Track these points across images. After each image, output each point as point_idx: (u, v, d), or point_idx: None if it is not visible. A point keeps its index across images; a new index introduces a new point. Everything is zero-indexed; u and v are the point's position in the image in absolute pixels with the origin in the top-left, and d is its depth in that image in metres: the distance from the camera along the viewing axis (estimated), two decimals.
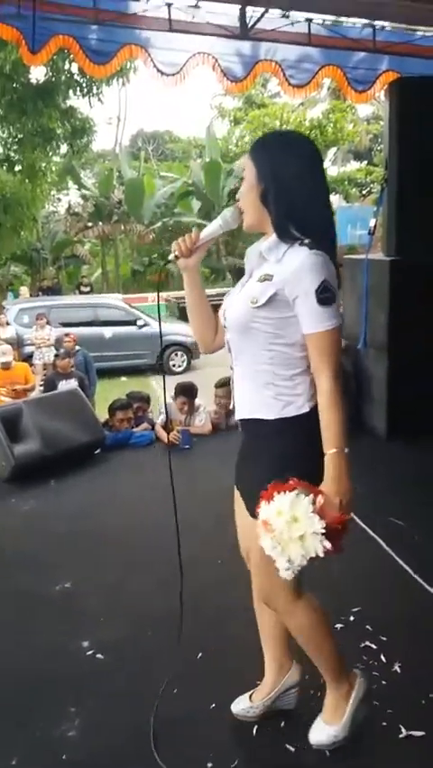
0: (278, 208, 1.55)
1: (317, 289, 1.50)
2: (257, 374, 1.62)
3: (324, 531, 1.42)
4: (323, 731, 1.80)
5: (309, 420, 1.57)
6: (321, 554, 1.42)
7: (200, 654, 2.25)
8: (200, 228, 1.74)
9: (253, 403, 1.64)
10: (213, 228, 1.66)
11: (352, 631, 2.36)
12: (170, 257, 1.67)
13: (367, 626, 2.38)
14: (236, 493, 1.82)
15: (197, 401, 5.07)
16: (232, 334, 1.65)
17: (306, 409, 1.61)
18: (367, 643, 2.28)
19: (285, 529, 1.42)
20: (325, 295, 1.51)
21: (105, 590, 2.79)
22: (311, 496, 1.45)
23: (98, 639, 2.40)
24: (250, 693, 1.98)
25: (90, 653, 2.33)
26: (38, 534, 3.46)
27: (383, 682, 2.08)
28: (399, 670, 2.14)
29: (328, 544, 1.42)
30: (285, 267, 1.53)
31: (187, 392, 5.01)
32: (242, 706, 1.96)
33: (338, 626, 2.37)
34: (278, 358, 1.59)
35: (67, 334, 8.15)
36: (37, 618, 2.61)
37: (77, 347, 7.92)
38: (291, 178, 1.54)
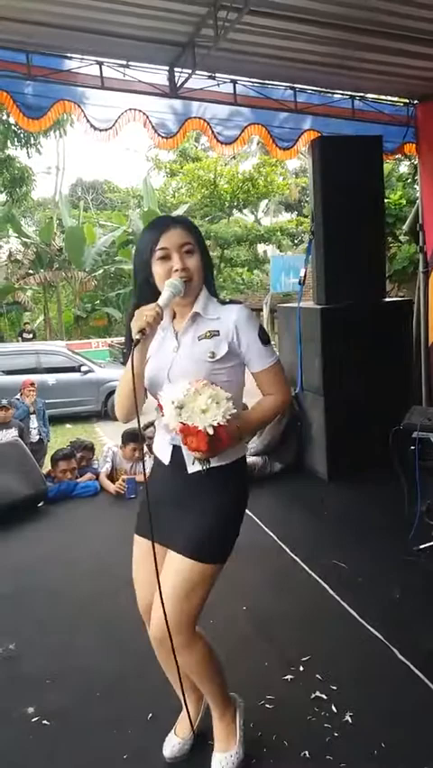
0: (210, 277, 1.82)
1: (258, 334, 1.76)
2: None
3: (218, 424, 1.59)
4: (224, 760, 1.91)
5: (244, 462, 1.87)
6: (209, 427, 1.58)
7: (150, 715, 2.20)
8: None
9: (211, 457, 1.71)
10: (167, 297, 1.67)
11: (302, 681, 2.35)
12: (138, 336, 1.61)
13: (317, 675, 2.38)
14: (141, 544, 1.87)
15: (147, 452, 5.05)
16: None
17: (244, 452, 1.88)
18: (318, 693, 2.27)
19: (198, 403, 1.60)
20: (264, 336, 1.78)
21: (52, 652, 2.70)
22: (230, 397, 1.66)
23: (44, 705, 2.32)
24: (173, 731, 2.03)
25: (36, 719, 2.24)
26: None
27: (335, 734, 2.07)
28: (350, 720, 2.14)
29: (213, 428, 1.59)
30: (225, 323, 1.74)
31: (136, 438, 4.99)
32: (174, 744, 2.00)
33: (288, 677, 2.38)
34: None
35: (32, 383, 7.96)
36: None
37: (35, 396, 7.78)
38: (210, 260, 1.85)
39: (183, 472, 1.76)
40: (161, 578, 1.74)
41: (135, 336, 1.61)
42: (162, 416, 1.70)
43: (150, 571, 1.75)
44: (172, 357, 1.75)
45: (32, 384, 8.01)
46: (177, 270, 1.70)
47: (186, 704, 2.00)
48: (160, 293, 1.70)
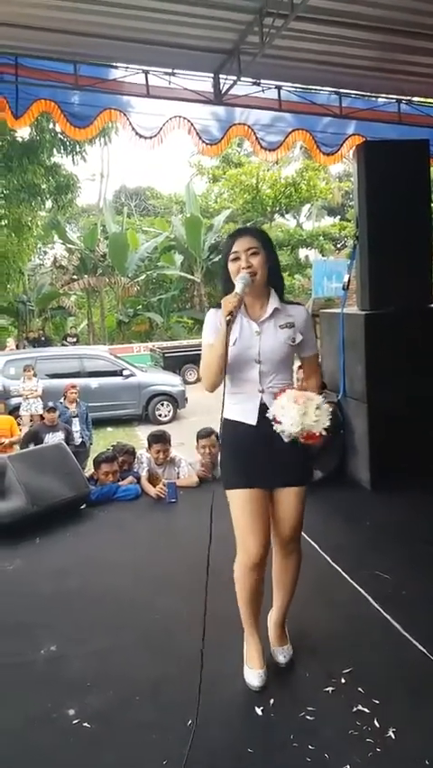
0: (280, 280, 2.37)
1: (313, 330, 2.47)
2: (282, 388, 2.28)
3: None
4: (287, 650, 2.53)
5: None
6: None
7: (189, 722, 2.20)
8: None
9: None
10: (241, 287, 2.16)
11: (344, 694, 2.31)
12: (228, 318, 2.10)
13: (359, 689, 2.33)
14: (252, 494, 2.30)
15: (177, 454, 5.07)
16: (267, 365, 2.27)
17: None
18: (360, 707, 2.23)
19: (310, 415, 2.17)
20: (315, 332, 2.49)
21: (92, 654, 2.71)
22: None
23: (85, 707, 2.33)
24: (253, 666, 2.39)
25: (77, 722, 2.25)
26: (23, 595, 3.39)
27: (378, 750, 2.03)
28: (393, 735, 2.09)
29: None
30: (297, 318, 2.33)
31: (160, 439, 5.02)
32: (261, 675, 2.36)
33: (329, 689, 2.34)
34: (291, 374, 2.39)
35: (73, 386, 8.14)
36: (20, 685, 2.53)
37: (78, 399, 7.94)
38: (278, 264, 2.39)
39: (270, 427, 2.23)
40: (288, 510, 2.36)
41: (226, 318, 2.10)
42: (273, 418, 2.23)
43: (265, 513, 2.32)
44: (257, 340, 2.25)
45: (74, 387, 8.16)
46: (243, 268, 2.21)
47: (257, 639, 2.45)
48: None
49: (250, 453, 2.29)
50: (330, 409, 2.21)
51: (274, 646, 2.53)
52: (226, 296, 2.18)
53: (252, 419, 2.28)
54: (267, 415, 2.25)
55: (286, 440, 2.23)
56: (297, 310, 2.35)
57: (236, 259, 2.24)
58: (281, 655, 2.50)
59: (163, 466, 5.01)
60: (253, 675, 2.38)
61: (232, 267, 2.26)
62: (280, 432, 2.22)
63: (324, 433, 2.16)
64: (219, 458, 2.54)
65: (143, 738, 2.15)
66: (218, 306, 2.23)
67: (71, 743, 2.16)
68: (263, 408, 2.27)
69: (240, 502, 2.30)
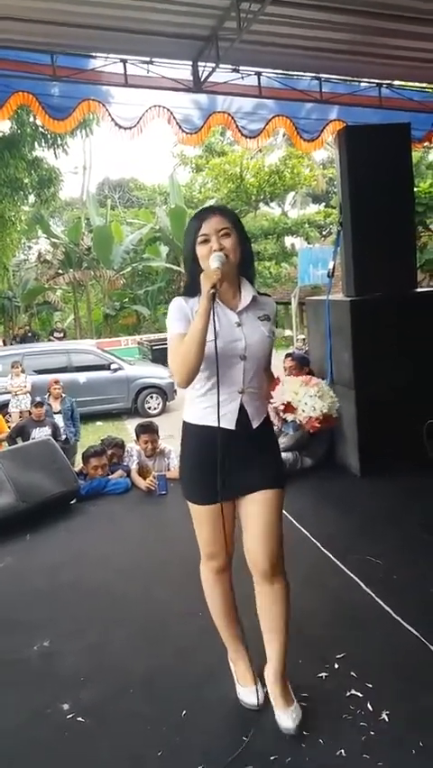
0: (251, 268, 2.13)
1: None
2: (262, 389, 2.09)
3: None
4: (296, 711, 2.09)
5: None
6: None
7: (184, 712, 2.20)
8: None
9: (261, 408, 2.09)
10: (217, 264, 1.92)
11: (337, 679, 2.32)
12: (213, 290, 1.87)
13: (352, 674, 2.34)
14: (212, 509, 2.05)
15: (166, 446, 5.08)
16: (251, 362, 2.01)
17: None
18: (353, 691, 2.24)
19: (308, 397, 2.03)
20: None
21: (86, 649, 2.71)
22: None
23: (79, 701, 2.33)
24: (246, 683, 2.21)
25: (71, 716, 2.25)
26: (15, 592, 3.37)
27: (372, 733, 2.04)
28: (387, 718, 2.10)
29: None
30: (269, 310, 2.12)
31: (148, 429, 5.03)
32: (259, 691, 2.17)
33: (323, 674, 2.35)
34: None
35: (56, 381, 8.10)
36: (13, 681, 2.53)
37: (63, 394, 7.90)
38: (251, 249, 2.14)
39: (248, 430, 2.04)
40: (252, 521, 2.07)
41: (211, 291, 1.86)
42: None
43: (231, 523, 2.11)
44: (240, 332, 2.00)
45: (57, 382, 8.12)
46: (214, 250, 1.95)
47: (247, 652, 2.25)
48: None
49: (217, 462, 1.97)
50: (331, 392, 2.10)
51: (278, 709, 2.10)
52: (204, 272, 1.94)
53: (229, 423, 2.00)
54: (272, 406, 2.05)
55: (292, 431, 2.14)
56: (269, 302, 2.15)
57: (206, 241, 1.97)
58: (289, 719, 2.05)
59: (153, 458, 5.00)
60: (248, 693, 2.20)
61: (201, 250, 1.98)
62: (292, 421, 2.05)
63: (336, 415, 2.07)
64: (179, 463, 2.23)
65: (138, 730, 2.15)
66: (185, 293, 2.04)
67: (66, 737, 2.16)
68: (243, 412, 2.02)
69: (202, 517, 2.10)
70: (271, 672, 2.14)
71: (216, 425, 1.96)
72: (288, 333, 18.61)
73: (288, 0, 4.13)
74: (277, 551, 2.07)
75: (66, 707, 2.30)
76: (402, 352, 4.62)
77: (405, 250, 4.94)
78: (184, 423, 2.11)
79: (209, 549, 2.14)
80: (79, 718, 2.24)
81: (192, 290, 2.03)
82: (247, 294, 2.04)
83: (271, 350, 2.08)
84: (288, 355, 5.38)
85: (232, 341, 1.97)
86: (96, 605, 3.11)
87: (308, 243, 22.05)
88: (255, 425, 2.06)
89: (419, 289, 5.36)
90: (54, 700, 2.35)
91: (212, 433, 1.98)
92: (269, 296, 2.17)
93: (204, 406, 2.03)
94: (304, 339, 10.99)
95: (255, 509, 2.07)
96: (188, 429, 2.09)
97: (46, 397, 7.75)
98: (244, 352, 1.98)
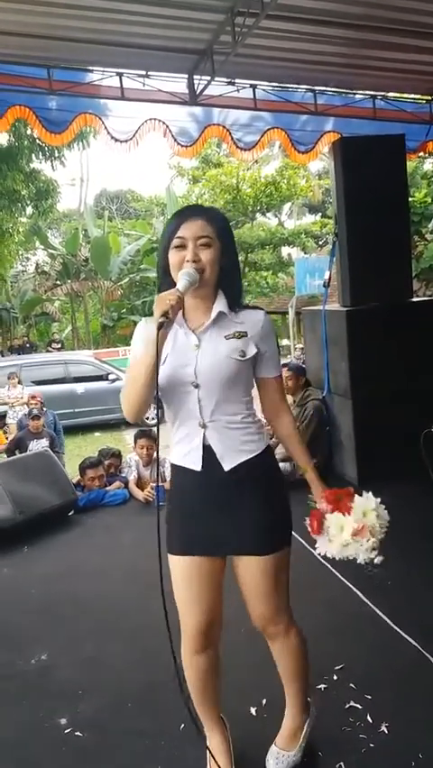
0: (236, 282, 1.79)
1: (276, 342, 1.82)
2: (237, 420, 1.73)
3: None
4: (280, 757, 1.93)
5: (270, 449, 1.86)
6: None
7: (183, 726, 2.18)
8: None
9: (241, 446, 1.74)
10: (184, 285, 1.62)
11: (336, 691, 2.31)
12: (162, 320, 1.54)
13: (351, 685, 2.33)
14: (195, 563, 1.77)
15: (165, 456, 5.08)
16: (207, 390, 1.69)
17: (268, 439, 1.88)
18: (352, 703, 2.23)
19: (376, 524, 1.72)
20: (279, 347, 1.85)
21: (83, 662, 2.70)
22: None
23: (77, 715, 2.32)
24: (278, 746, 1.96)
25: (69, 730, 2.24)
26: (12, 605, 3.37)
27: (371, 745, 2.03)
28: (386, 730, 2.09)
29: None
30: (251, 325, 1.74)
31: (146, 435, 5.06)
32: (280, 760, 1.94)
33: (322, 686, 2.33)
34: (250, 401, 1.79)
35: (33, 396, 8.09)
36: (11, 695, 2.51)
37: (44, 408, 7.88)
38: (237, 259, 1.85)
39: (219, 473, 1.70)
40: (245, 586, 1.81)
41: (159, 320, 1.53)
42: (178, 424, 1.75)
43: (211, 588, 1.79)
44: (195, 354, 1.69)
45: (34, 398, 8.10)
46: (188, 261, 1.65)
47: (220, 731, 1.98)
48: (175, 283, 1.65)
49: (193, 509, 1.75)
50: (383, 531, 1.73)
51: (277, 745, 1.96)
52: (158, 295, 1.61)
53: (195, 463, 1.72)
54: (324, 525, 1.74)
55: (227, 461, 1.72)
56: (252, 316, 1.76)
57: (181, 246, 1.66)
58: (272, 760, 1.93)
59: (150, 467, 5.00)
60: None
61: (173, 257, 1.67)
62: (320, 548, 1.75)
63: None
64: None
65: (137, 745, 2.14)
66: (151, 314, 1.66)
67: (64, 752, 2.15)
68: (208, 449, 1.70)
69: (178, 570, 1.80)
70: (286, 719, 1.99)
71: (184, 464, 1.75)
72: (285, 342, 18.63)
73: (282, 15, 4.17)
74: (281, 607, 1.83)
75: (64, 721, 2.29)
76: (399, 362, 4.63)
77: (400, 259, 4.97)
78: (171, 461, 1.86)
79: (186, 616, 1.83)
80: (77, 733, 2.22)
81: None
82: (215, 309, 1.72)
83: (240, 372, 1.71)
84: (284, 365, 5.39)
85: (182, 365, 1.67)
86: (93, 617, 3.10)
87: (305, 253, 22.11)
88: (228, 465, 1.71)
89: (414, 299, 5.39)
90: (52, 714, 2.33)
91: (182, 473, 1.76)
92: (260, 308, 1.81)
93: (175, 441, 1.79)
94: (302, 348, 11.01)
95: (248, 576, 1.79)
96: (172, 468, 1.85)
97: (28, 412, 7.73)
98: (195, 379, 1.67)
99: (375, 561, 1.71)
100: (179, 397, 1.70)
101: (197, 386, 1.68)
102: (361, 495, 1.78)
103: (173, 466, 1.81)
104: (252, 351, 1.72)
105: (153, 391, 1.62)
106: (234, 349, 1.69)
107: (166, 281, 1.70)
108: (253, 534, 1.75)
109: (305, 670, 1.93)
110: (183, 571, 1.79)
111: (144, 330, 1.69)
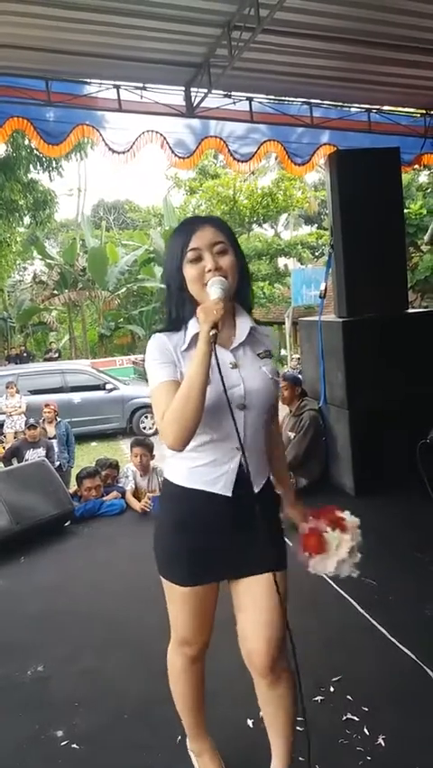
0: (249, 291, 1.71)
1: None
2: (264, 444, 1.70)
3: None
4: None
5: None
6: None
7: (179, 738, 2.17)
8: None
9: (265, 466, 1.73)
10: (219, 294, 1.51)
11: (333, 703, 2.30)
12: (214, 331, 1.44)
13: (348, 697, 2.32)
14: (198, 592, 1.70)
15: (159, 465, 5.09)
16: (253, 413, 1.60)
17: None
18: (349, 715, 2.22)
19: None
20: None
21: (80, 674, 2.69)
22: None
23: (74, 728, 2.30)
24: None
25: (65, 743, 2.22)
26: (9, 615, 3.35)
27: (368, 758, 2.02)
28: (383, 743, 2.08)
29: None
30: (268, 343, 1.69)
31: (142, 442, 5.07)
32: None
33: (318, 698, 2.33)
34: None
35: (47, 404, 8.02)
36: (7, 707, 2.49)
37: (57, 417, 7.84)
38: (247, 267, 1.68)
39: (247, 495, 1.57)
40: (252, 606, 1.70)
41: (212, 332, 1.42)
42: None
43: (213, 608, 1.76)
44: (238, 375, 1.58)
45: (48, 406, 7.88)
46: (210, 271, 1.53)
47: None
48: (195, 301, 1.56)
49: (210, 537, 1.64)
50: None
51: None
52: (202, 306, 1.48)
53: (225, 488, 1.59)
54: (327, 542, 1.73)
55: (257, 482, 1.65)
56: (266, 332, 1.71)
57: (197, 259, 1.55)
58: None
59: (147, 477, 4.99)
60: None
61: (191, 270, 1.55)
62: (314, 566, 1.76)
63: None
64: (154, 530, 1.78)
65: (133, 758, 2.13)
66: (163, 330, 1.62)
67: (60, 765, 2.13)
68: (241, 473, 1.58)
69: (180, 599, 1.72)
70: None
71: (207, 489, 1.60)
72: (282, 352, 18.68)
73: (278, 29, 4.21)
74: (279, 641, 1.69)
75: (60, 733, 2.28)
76: (395, 373, 4.65)
77: (396, 271, 5.00)
78: (165, 481, 1.72)
79: (185, 634, 1.79)
80: (74, 745, 2.21)
81: (176, 323, 1.62)
82: (244, 326, 1.62)
83: (276, 396, 1.67)
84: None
85: (229, 387, 1.50)
86: (90, 628, 3.09)
87: (301, 264, 22.21)
88: (257, 488, 1.64)
89: (410, 310, 5.42)
90: (48, 727, 2.32)
91: (202, 499, 1.61)
92: (268, 324, 1.76)
93: (192, 465, 1.62)
94: (299, 358, 11.05)
95: (258, 592, 1.68)
96: (171, 490, 1.68)
97: (41, 421, 7.71)
98: (244, 401, 1.57)
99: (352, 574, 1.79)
100: (218, 419, 1.53)
101: (243, 407, 1.57)
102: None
103: (178, 488, 1.66)
104: (276, 371, 1.68)
105: (201, 411, 1.46)
106: (271, 369, 1.64)
107: (181, 298, 1.60)
108: (276, 550, 1.71)
109: (295, 718, 1.79)
110: (190, 599, 1.72)
111: (163, 347, 1.58)
